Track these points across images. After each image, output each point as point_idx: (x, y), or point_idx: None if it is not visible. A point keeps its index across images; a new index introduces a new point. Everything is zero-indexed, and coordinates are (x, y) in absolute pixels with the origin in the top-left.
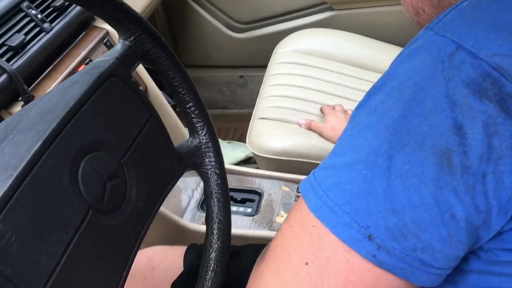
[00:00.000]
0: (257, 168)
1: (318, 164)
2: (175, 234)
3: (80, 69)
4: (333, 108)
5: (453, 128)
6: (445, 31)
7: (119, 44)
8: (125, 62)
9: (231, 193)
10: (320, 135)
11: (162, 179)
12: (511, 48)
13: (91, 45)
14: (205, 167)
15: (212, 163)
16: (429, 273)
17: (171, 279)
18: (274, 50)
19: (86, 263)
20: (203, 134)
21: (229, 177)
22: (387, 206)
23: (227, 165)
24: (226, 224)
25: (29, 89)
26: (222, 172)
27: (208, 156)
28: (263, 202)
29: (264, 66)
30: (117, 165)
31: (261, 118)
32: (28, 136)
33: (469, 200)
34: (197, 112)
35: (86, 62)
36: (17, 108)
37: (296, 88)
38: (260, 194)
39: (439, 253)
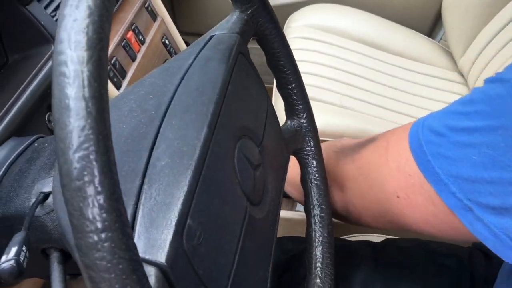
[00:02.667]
0: None
1: None
2: None
3: (128, 35)
4: None
5: None
6: None
7: (234, 17)
8: (244, 37)
9: None
10: None
11: (281, 166)
12: None
13: (134, 9)
14: (304, 152)
15: (312, 149)
16: None
17: None
18: (286, 24)
19: (249, 261)
20: (303, 117)
21: None
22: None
23: None
24: (329, 213)
25: None
26: (321, 158)
27: (307, 141)
28: None
29: None
30: (258, 152)
31: None
32: (188, 120)
33: None
34: (299, 94)
35: (132, 28)
36: None
37: (320, 65)
38: None
39: None
